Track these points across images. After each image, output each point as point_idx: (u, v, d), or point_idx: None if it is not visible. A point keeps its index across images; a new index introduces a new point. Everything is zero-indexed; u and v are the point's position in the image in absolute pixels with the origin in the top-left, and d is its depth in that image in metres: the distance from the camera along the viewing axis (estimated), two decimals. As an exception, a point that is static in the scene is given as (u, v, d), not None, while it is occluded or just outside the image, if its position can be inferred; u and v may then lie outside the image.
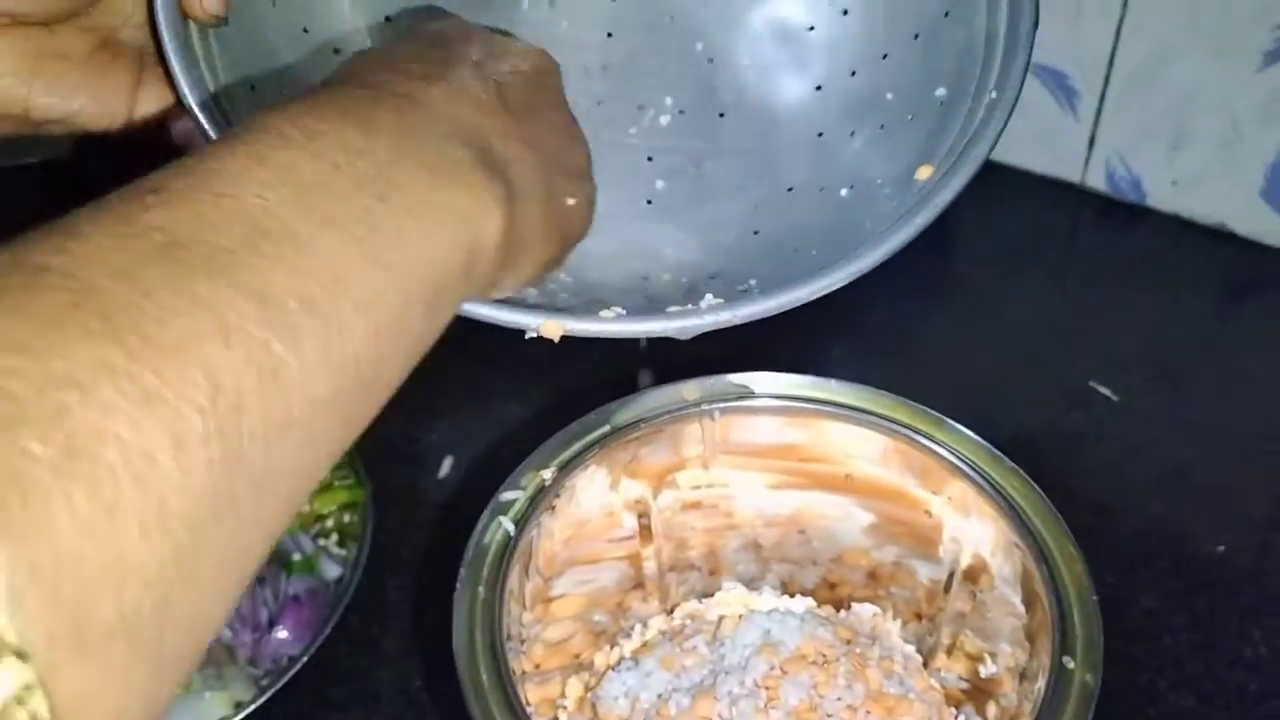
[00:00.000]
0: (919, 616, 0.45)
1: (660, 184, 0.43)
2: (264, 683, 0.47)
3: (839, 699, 0.39)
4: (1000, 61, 0.38)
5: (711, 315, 0.37)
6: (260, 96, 0.36)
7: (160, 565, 0.18)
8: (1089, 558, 0.39)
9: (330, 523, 0.54)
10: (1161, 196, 0.67)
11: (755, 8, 0.42)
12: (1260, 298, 0.63)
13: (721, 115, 0.43)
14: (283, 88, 0.37)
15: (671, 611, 0.46)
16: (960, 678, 0.43)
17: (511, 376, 0.61)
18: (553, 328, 0.36)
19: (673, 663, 0.41)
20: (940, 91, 0.40)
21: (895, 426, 0.43)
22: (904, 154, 0.43)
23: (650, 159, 0.43)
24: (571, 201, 0.33)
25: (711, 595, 0.47)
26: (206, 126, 0.34)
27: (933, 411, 0.43)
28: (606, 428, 0.43)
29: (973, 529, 0.42)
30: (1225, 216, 0.65)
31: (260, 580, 0.50)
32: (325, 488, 0.55)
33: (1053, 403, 0.57)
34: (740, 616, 0.43)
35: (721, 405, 0.44)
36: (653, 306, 0.38)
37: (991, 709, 0.41)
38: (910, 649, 0.45)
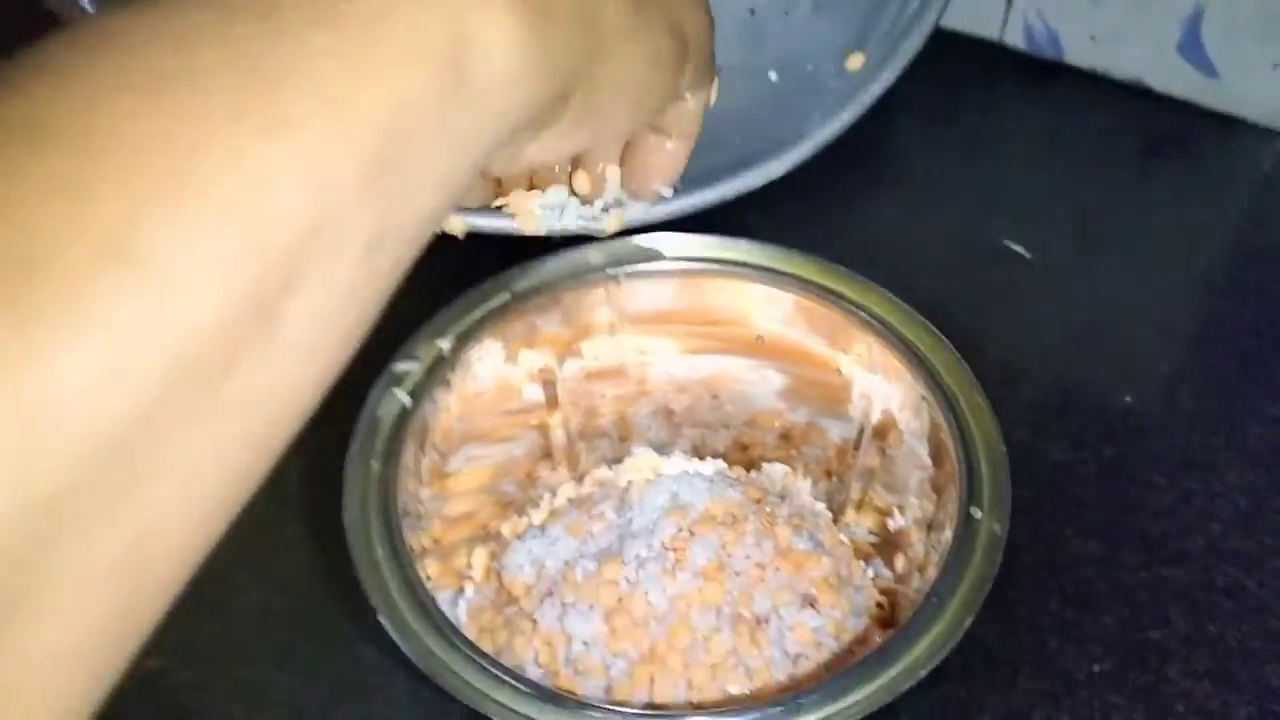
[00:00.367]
0: (829, 474, 0.45)
1: None
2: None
3: (747, 557, 0.38)
4: None
5: (630, 214, 0.37)
6: None
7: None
8: (1000, 414, 0.38)
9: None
10: (1079, 53, 0.65)
11: None
12: (1175, 154, 0.63)
13: None
14: None
15: (581, 480, 0.46)
16: (870, 531, 0.43)
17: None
18: (456, 224, 0.35)
19: (579, 529, 0.40)
20: None
21: (804, 285, 0.42)
22: (836, 38, 0.41)
23: None
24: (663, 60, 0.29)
25: (621, 462, 0.46)
26: None
27: (842, 268, 0.42)
28: (506, 295, 0.41)
29: (881, 385, 0.41)
30: (1142, 72, 0.64)
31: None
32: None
33: (967, 261, 0.57)
34: (649, 481, 0.42)
35: (627, 269, 0.42)
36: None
37: (900, 561, 0.41)
38: (820, 506, 0.45)
